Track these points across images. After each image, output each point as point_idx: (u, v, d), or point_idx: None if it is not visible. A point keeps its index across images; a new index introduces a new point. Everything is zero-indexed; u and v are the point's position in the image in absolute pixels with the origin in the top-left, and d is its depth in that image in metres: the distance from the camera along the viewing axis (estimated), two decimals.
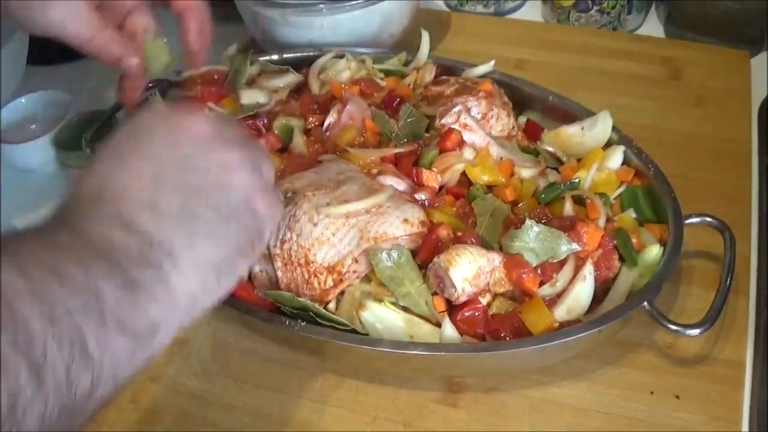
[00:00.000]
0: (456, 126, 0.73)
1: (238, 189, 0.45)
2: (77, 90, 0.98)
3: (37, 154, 0.89)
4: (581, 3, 1.05)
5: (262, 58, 0.88)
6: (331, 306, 0.64)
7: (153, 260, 0.39)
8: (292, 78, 0.86)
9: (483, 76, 0.85)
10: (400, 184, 0.68)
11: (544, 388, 0.66)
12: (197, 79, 0.85)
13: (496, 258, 0.61)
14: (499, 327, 0.61)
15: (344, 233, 0.63)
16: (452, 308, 0.62)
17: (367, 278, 0.64)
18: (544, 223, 0.64)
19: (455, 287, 0.59)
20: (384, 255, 0.62)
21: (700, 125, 0.89)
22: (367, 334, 0.62)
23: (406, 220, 0.63)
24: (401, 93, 0.82)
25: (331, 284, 0.63)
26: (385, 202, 0.64)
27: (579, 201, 0.69)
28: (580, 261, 0.63)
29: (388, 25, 0.95)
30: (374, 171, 0.70)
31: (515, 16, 1.14)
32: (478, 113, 0.77)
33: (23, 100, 0.94)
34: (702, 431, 0.62)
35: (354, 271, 0.63)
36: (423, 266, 0.63)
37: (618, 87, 0.95)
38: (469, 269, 0.60)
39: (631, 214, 0.70)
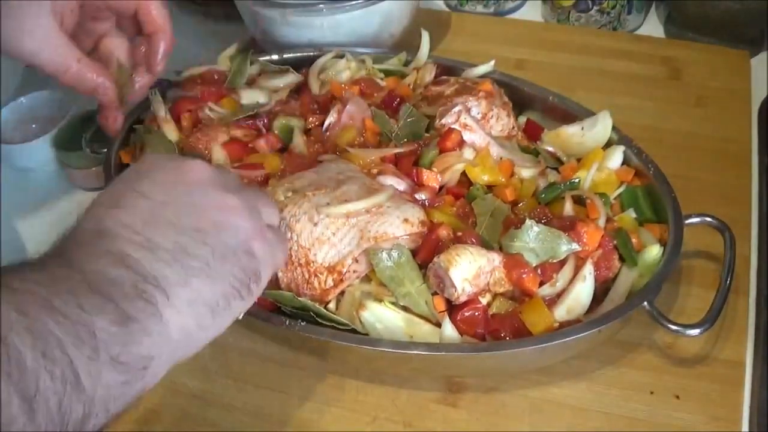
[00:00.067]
0: (456, 126, 0.73)
1: (235, 230, 0.46)
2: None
3: (37, 154, 0.89)
4: (581, 3, 1.05)
5: (262, 58, 0.88)
6: (332, 306, 0.64)
7: (147, 295, 0.40)
8: (292, 78, 0.86)
9: (483, 76, 0.85)
10: (400, 184, 0.68)
11: (544, 388, 0.66)
12: (197, 79, 0.85)
13: (496, 258, 0.61)
14: (499, 327, 0.61)
15: (344, 233, 0.63)
16: (452, 308, 0.62)
17: (367, 278, 0.64)
18: (544, 223, 0.64)
19: (455, 287, 0.59)
20: (384, 255, 0.62)
21: (700, 125, 0.89)
22: (367, 334, 0.62)
23: (406, 220, 0.63)
24: (401, 93, 0.82)
25: (332, 284, 0.63)
26: (385, 202, 0.64)
27: (579, 201, 0.69)
28: (580, 261, 0.63)
29: (388, 25, 0.95)
30: (374, 171, 0.70)
31: (515, 16, 1.14)
32: (478, 113, 0.77)
33: (23, 100, 0.94)
34: (702, 431, 0.62)
35: (354, 271, 0.63)
36: (423, 266, 0.63)
37: (618, 87, 0.95)
38: (469, 269, 0.60)
39: (631, 214, 0.70)
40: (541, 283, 0.62)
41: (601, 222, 0.66)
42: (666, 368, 0.67)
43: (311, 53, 0.89)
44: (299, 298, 0.62)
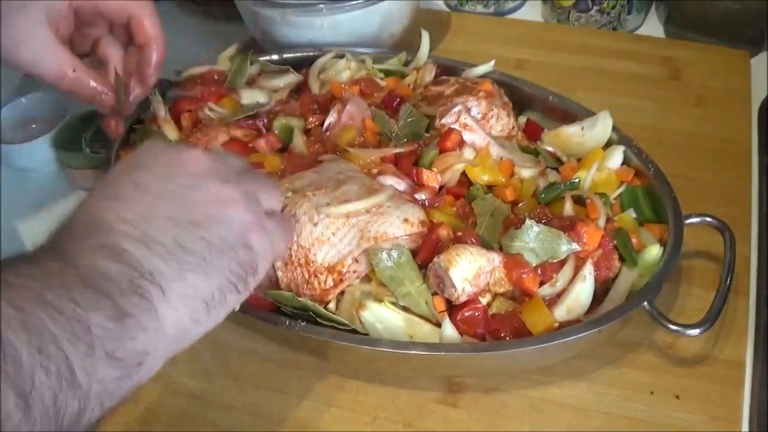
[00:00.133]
0: (456, 126, 0.73)
1: (232, 224, 0.45)
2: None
3: (37, 154, 0.89)
4: (581, 3, 1.05)
5: (262, 58, 0.88)
6: (331, 306, 0.64)
7: (142, 290, 0.40)
8: (292, 78, 0.86)
9: (483, 76, 0.85)
10: (400, 184, 0.68)
11: (544, 388, 0.66)
12: (197, 79, 0.85)
13: (496, 258, 0.61)
14: (499, 327, 0.61)
15: (344, 233, 0.63)
16: (452, 308, 0.62)
17: (367, 278, 0.64)
18: (544, 223, 0.64)
19: (455, 287, 0.59)
20: (384, 255, 0.62)
21: (700, 125, 0.89)
22: (367, 334, 0.62)
23: (406, 220, 0.63)
24: (401, 93, 0.82)
25: (332, 284, 0.63)
26: (385, 202, 0.64)
27: (579, 201, 0.69)
28: (580, 261, 0.63)
29: (388, 25, 0.95)
30: (374, 171, 0.70)
31: (515, 16, 1.14)
32: (478, 113, 0.77)
33: (23, 100, 0.94)
34: (702, 431, 0.62)
35: (354, 271, 0.63)
36: (423, 266, 0.63)
37: (618, 87, 0.95)
38: (469, 269, 0.60)
39: (631, 214, 0.70)
40: (541, 283, 0.62)
41: (601, 222, 0.66)
42: (666, 368, 0.67)
43: (311, 53, 0.89)
44: (299, 298, 0.62)
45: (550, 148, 0.77)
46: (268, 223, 0.48)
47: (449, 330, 0.60)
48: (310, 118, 0.79)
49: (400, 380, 0.67)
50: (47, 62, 0.62)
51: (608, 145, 0.76)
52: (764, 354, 0.67)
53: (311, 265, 0.63)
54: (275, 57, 0.90)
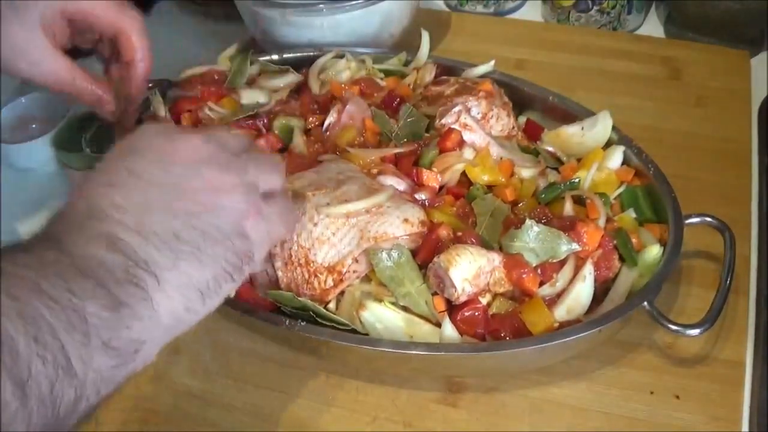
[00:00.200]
0: (456, 126, 0.73)
1: (227, 212, 0.45)
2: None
3: (37, 154, 0.89)
4: (581, 3, 1.05)
5: (262, 58, 0.88)
6: (332, 306, 0.64)
7: (137, 279, 0.40)
8: (292, 78, 0.86)
9: (483, 76, 0.85)
10: (400, 184, 0.68)
11: (544, 388, 0.66)
12: (197, 79, 0.85)
13: (496, 258, 0.61)
14: (499, 327, 0.61)
15: (344, 233, 0.63)
16: (452, 308, 0.62)
17: (367, 278, 0.64)
18: (544, 223, 0.64)
19: (455, 287, 0.59)
20: (384, 255, 0.62)
21: (700, 125, 0.89)
22: (367, 334, 0.62)
23: (406, 220, 0.63)
24: (401, 93, 0.82)
25: (331, 284, 0.63)
26: (385, 202, 0.64)
27: (579, 201, 0.69)
28: (580, 261, 0.63)
29: (388, 25, 0.95)
30: (374, 171, 0.70)
31: (515, 16, 1.14)
32: (478, 113, 0.77)
33: (23, 100, 0.94)
34: (702, 431, 0.62)
35: (354, 271, 0.63)
36: (423, 266, 0.63)
37: (618, 87, 0.95)
38: (469, 269, 0.60)
39: (631, 214, 0.70)
40: (541, 283, 0.62)
41: (601, 222, 0.66)
42: (666, 368, 0.67)
43: (311, 53, 0.89)
44: (299, 298, 0.62)
45: (550, 148, 0.77)
46: (266, 209, 0.48)
47: (449, 330, 0.60)
48: (310, 118, 0.79)
49: (400, 380, 0.67)
50: (46, 70, 0.62)
51: (608, 145, 0.76)
52: (764, 354, 0.67)
53: (311, 265, 0.63)
54: (275, 57, 0.90)
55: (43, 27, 0.60)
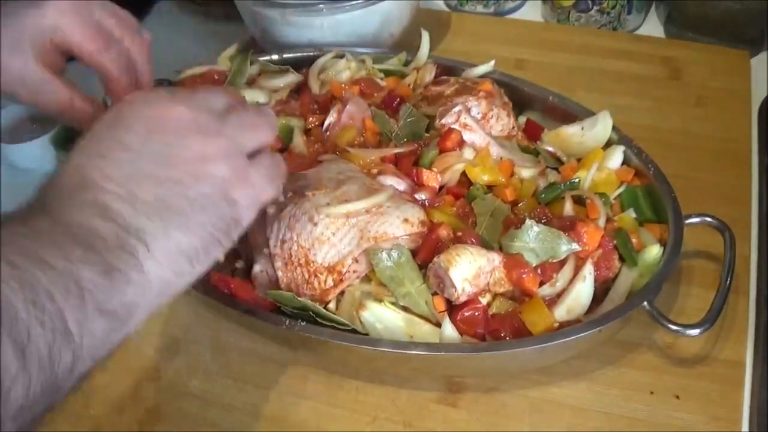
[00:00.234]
0: (456, 126, 0.73)
1: (214, 180, 0.46)
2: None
3: (37, 154, 0.89)
4: (581, 3, 1.05)
5: (262, 58, 0.88)
6: (332, 306, 0.64)
7: (128, 246, 0.41)
8: (292, 78, 0.86)
9: (483, 76, 0.85)
10: (400, 184, 0.68)
11: (544, 388, 0.66)
12: (197, 79, 0.85)
13: (496, 258, 0.61)
14: (499, 327, 0.61)
15: (344, 233, 0.63)
16: (452, 308, 0.62)
17: (367, 278, 0.64)
18: (544, 223, 0.64)
19: (455, 287, 0.59)
20: (384, 255, 0.62)
21: (700, 125, 0.89)
22: (367, 334, 0.62)
23: (406, 220, 0.63)
24: (401, 93, 0.82)
25: (331, 284, 0.63)
26: (385, 202, 0.64)
27: (579, 201, 0.69)
28: (580, 261, 0.63)
29: (388, 25, 0.95)
30: (374, 171, 0.70)
31: (515, 16, 1.14)
32: (478, 113, 0.77)
33: None
34: (702, 431, 0.62)
35: (354, 271, 0.63)
36: (423, 266, 0.63)
37: (618, 87, 0.95)
38: (469, 269, 0.60)
39: (631, 214, 0.70)
40: (541, 283, 0.62)
41: (601, 222, 0.66)
42: (666, 368, 0.67)
43: (311, 53, 0.89)
44: (299, 298, 0.62)
45: (550, 148, 0.77)
46: (253, 172, 0.49)
47: (449, 330, 0.60)
48: (310, 118, 0.79)
49: (400, 380, 0.67)
50: (44, 98, 0.63)
51: (608, 145, 0.76)
52: (764, 354, 0.67)
53: (311, 265, 0.63)
54: (275, 57, 0.90)
55: (36, 55, 0.61)
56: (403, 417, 0.65)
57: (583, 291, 0.62)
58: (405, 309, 0.63)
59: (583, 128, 0.77)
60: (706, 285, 0.70)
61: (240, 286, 0.64)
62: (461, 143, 0.72)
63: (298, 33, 0.93)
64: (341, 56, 0.88)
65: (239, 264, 0.69)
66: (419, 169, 0.70)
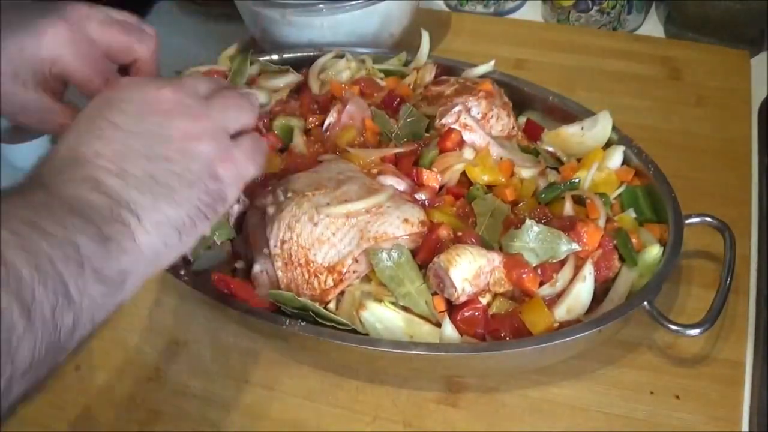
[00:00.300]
0: (456, 126, 0.73)
1: (200, 157, 0.49)
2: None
3: (37, 154, 0.89)
4: (581, 3, 1.05)
5: (262, 58, 0.88)
6: (332, 306, 0.64)
7: (121, 218, 0.44)
8: (292, 78, 0.86)
9: (483, 76, 0.85)
10: (400, 184, 0.68)
11: (544, 388, 0.66)
12: None
13: (496, 258, 0.61)
14: (499, 327, 0.61)
15: (344, 233, 0.63)
16: (452, 308, 0.62)
17: (367, 278, 0.64)
18: (544, 223, 0.64)
19: (455, 287, 0.59)
20: (384, 255, 0.62)
21: (700, 125, 0.89)
22: (367, 334, 0.62)
23: (406, 220, 0.63)
24: (401, 93, 0.82)
25: (331, 284, 0.63)
26: (385, 202, 0.64)
27: (579, 201, 0.69)
28: (580, 261, 0.63)
29: (388, 25, 0.95)
30: (374, 171, 0.70)
31: (515, 16, 1.14)
32: (478, 113, 0.77)
33: None
34: (702, 431, 0.62)
35: (354, 271, 0.63)
36: (423, 266, 0.63)
37: (618, 87, 0.95)
38: (469, 269, 0.60)
39: (631, 214, 0.70)
40: (541, 283, 0.62)
41: (601, 222, 0.66)
42: (666, 368, 0.67)
43: (311, 53, 0.89)
44: (299, 298, 0.62)
45: (550, 148, 0.77)
46: (236, 151, 0.51)
47: (449, 330, 0.60)
48: (310, 118, 0.79)
49: (400, 380, 0.67)
50: (49, 126, 0.65)
51: (608, 145, 0.76)
52: (764, 354, 0.67)
53: (311, 265, 0.63)
54: (275, 57, 0.90)
55: (36, 84, 0.62)
56: (403, 417, 0.65)
57: (583, 291, 0.62)
58: (405, 309, 0.63)
59: (583, 128, 0.77)
60: (706, 285, 0.70)
61: (240, 286, 0.64)
62: (461, 143, 0.72)
63: (298, 33, 0.93)
64: (341, 56, 0.88)
65: (239, 264, 0.69)
66: (419, 169, 0.70)
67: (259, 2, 0.93)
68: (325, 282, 0.63)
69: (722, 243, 0.66)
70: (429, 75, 0.86)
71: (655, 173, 0.71)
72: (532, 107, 0.84)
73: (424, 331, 0.62)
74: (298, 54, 0.90)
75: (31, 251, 0.39)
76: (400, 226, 0.63)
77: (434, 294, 0.62)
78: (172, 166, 0.47)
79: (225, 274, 0.66)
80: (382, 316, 0.62)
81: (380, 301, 0.63)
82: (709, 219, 0.68)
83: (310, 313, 0.62)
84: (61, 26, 0.60)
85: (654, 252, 0.65)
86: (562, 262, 0.63)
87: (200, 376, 0.70)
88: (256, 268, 0.66)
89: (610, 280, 0.65)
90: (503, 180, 0.71)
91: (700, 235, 0.71)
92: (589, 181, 0.71)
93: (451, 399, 0.66)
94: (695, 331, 0.60)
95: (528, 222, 0.63)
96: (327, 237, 0.62)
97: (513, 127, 0.80)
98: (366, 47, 0.91)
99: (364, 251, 0.62)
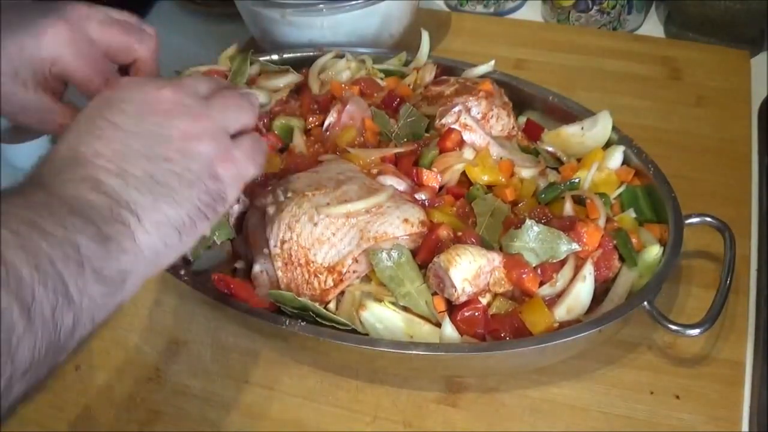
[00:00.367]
0: (456, 126, 0.73)
1: (200, 158, 0.49)
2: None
3: (37, 154, 0.89)
4: (581, 3, 1.05)
5: (262, 58, 0.88)
6: (332, 306, 0.64)
7: (121, 218, 0.44)
8: (292, 78, 0.85)
9: (483, 76, 0.85)
10: (400, 184, 0.68)
11: (544, 388, 0.66)
12: None
13: (496, 258, 0.61)
14: (499, 327, 0.61)
15: (344, 233, 0.63)
16: (452, 308, 0.62)
17: (367, 278, 0.64)
18: (544, 223, 0.64)
19: (455, 287, 0.59)
20: (384, 255, 0.62)
21: (700, 125, 0.89)
22: (367, 334, 0.62)
23: (406, 220, 0.63)
24: (401, 93, 0.82)
25: (332, 284, 0.63)
26: (385, 202, 0.64)
27: (579, 201, 0.69)
28: (580, 261, 0.63)
29: (388, 25, 0.95)
30: (374, 171, 0.70)
31: (515, 16, 1.14)
32: (478, 113, 0.77)
33: None
34: (702, 431, 0.62)
35: (354, 271, 0.63)
36: (423, 266, 0.63)
37: (618, 87, 0.95)
38: (469, 269, 0.60)
39: (631, 214, 0.70)
40: (541, 283, 0.62)
41: (601, 222, 0.66)
42: (666, 368, 0.67)
43: (311, 53, 0.89)
44: (299, 298, 0.62)
45: (550, 148, 0.77)
46: (236, 151, 0.51)
47: (449, 330, 0.60)
48: (310, 118, 0.79)
49: (400, 380, 0.67)
50: (50, 127, 0.65)
51: (608, 145, 0.76)
52: (764, 354, 0.67)
53: (311, 265, 0.63)
54: (275, 57, 0.90)
55: (36, 84, 0.62)
56: (403, 417, 0.65)
57: (583, 291, 0.62)
58: (405, 309, 0.63)
59: (583, 128, 0.77)
60: (706, 285, 0.70)
61: (240, 286, 0.64)
62: (461, 143, 0.72)
63: (298, 33, 0.93)
64: (341, 56, 0.88)
65: (239, 264, 0.69)
66: (419, 169, 0.70)
67: (259, 2, 0.93)
68: (325, 282, 0.63)
69: (722, 243, 0.66)
70: (429, 75, 0.86)
71: (655, 173, 0.71)
72: (532, 107, 0.84)
73: (424, 331, 0.62)
74: (298, 54, 0.90)
75: (31, 251, 0.39)
76: (400, 226, 0.63)
77: (434, 294, 0.62)
78: (172, 166, 0.47)
79: (225, 274, 0.66)
80: (382, 316, 0.62)
81: (380, 301, 0.63)
82: (709, 219, 0.68)
83: (310, 313, 0.62)
84: (61, 26, 0.60)
85: (654, 252, 0.65)
86: (562, 262, 0.63)
87: (200, 376, 0.70)
88: (256, 268, 0.66)
89: (610, 280, 0.65)
90: (503, 180, 0.71)
91: (700, 235, 0.71)
92: (589, 181, 0.71)
93: (451, 399, 0.66)
94: (695, 331, 0.60)
95: (528, 222, 0.63)
96: (327, 237, 0.62)
97: (513, 127, 0.80)
98: (366, 47, 0.91)
99: (364, 251, 0.62)
